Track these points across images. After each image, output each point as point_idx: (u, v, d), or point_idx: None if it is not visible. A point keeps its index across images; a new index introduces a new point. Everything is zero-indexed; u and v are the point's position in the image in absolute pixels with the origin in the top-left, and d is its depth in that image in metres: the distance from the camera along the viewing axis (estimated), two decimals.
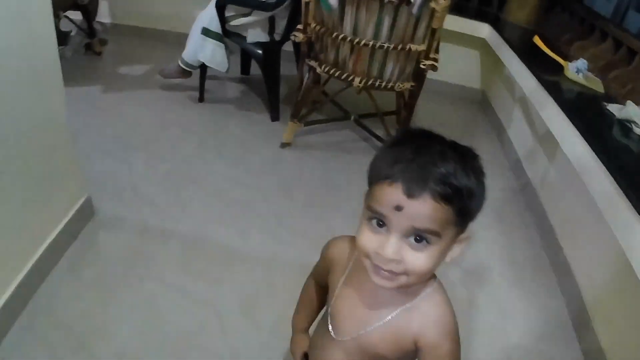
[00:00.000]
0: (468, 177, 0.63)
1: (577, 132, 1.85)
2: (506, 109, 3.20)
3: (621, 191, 1.49)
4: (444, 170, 0.61)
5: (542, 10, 3.26)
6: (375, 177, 0.66)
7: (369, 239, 0.66)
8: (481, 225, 2.24)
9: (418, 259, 0.64)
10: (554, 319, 1.84)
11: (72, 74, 2.86)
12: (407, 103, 2.50)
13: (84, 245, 1.76)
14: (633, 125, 1.87)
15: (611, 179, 1.56)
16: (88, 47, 3.31)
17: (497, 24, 3.25)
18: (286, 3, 2.58)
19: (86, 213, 1.84)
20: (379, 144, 2.67)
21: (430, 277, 0.75)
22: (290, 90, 3.13)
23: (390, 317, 0.75)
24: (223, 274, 1.75)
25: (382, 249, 0.64)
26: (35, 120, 1.44)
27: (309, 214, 2.11)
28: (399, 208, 0.62)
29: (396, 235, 0.64)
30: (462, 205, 0.63)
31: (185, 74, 2.82)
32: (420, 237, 0.64)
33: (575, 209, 2.05)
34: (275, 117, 2.85)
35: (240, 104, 3.02)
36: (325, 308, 0.88)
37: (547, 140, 2.37)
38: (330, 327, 0.82)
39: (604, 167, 1.61)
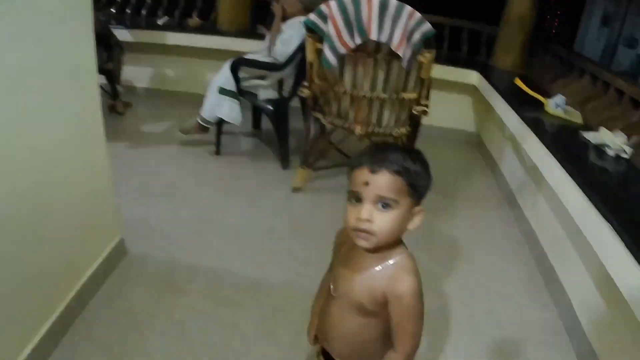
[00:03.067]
0: (414, 163, 0.92)
1: (555, 160, 2.07)
2: (498, 148, 3.44)
3: (593, 206, 1.68)
4: (395, 156, 0.91)
5: (526, 54, 3.56)
6: (351, 168, 0.95)
7: (351, 213, 0.94)
8: (479, 251, 2.45)
9: (384, 218, 0.91)
10: (549, 328, 2.00)
11: None
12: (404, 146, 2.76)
13: (119, 279, 1.98)
14: (606, 148, 2.08)
15: (585, 197, 1.75)
16: (112, 109, 3.65)
17: (485, 71, 3.55)
18: (293, 64, 2.91)
19: (120, 252, 2.07)
20: None
21: (401, 247, 1.00)
22: (299, 141, 3.40)
23: (367, 274, 0.99)
24: (245, 301, 1.95)
25: (359, 213, 0.91)
26: (81, 169, 1.71)
27: (319, 247, 2.30)
28: (367, 183, 0.90)
29: (368, 202, 0.91)
30: (411, 180, 0.91)
31: (203, 130, 3.12)
32: (385, 203, 0.90)
33: (562, 231, 2.24)
34: (286, 165, 3.13)
35: (254, 156, 3.31)
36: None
37: (534, 172, 2.59)
38: (332, 287, 1.08)
39: (579, 189, 1.81)
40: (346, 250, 1.06)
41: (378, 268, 0.98)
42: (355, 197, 0.93)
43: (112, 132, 3.27)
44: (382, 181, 0.89)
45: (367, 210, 0.91)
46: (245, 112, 3.32)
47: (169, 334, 1.75)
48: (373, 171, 0.90)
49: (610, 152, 2.07)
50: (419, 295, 0.97)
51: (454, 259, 2.40)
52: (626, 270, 1.46)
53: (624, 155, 2.04)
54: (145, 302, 1.89)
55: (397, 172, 0.89)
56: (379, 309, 1.00)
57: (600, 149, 2.11)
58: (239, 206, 2.65)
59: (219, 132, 3.14)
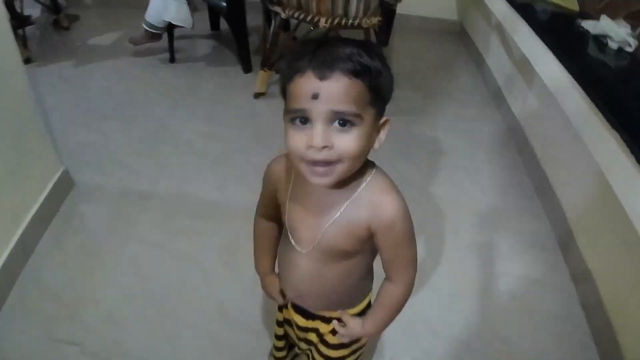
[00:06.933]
0: (372, 59, 0.66)
1: (549, 52, 1.81)
2: (484, 39, 3.12)
3: (594, 106, 1.47)
4: (349, 51, 0.64)
5: None
6: (286, 79, 0.68)
7: (297, 138, 0.68)
8: (464, 155, 2.25)
9: (347, 141, 0.67)
10: (540, 242, 1.85)
11: (42, 51, 2.84)
12: (378, 39, 2.44)
13: (66, 216, 1.76)
14: (608, 40, 1.83)
15: (584, 95, 1.54)
16: (56, 23, 3.23)
17: None
18: None
19: (65, 185, 1.83)
20: None
21: (367, 166, 0.77)
22: (262, 40, 3.06)
23: (339, 214, 0.77)
24: (203, 228, 1.76)
25: (311, 139, 0.66)
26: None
27: None
28: (315, 95, 0.64)
29: (320, 123, 0.65)
30: (373, 82, 0.66)
31: (154, 37, 2.76)
32: (343, 120, 0.66)
33: (554, 131, 2.03)
34: (247, 68, 2.81)
35: (212, 60, 2.96)
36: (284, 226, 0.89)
37: (524, 65, 2.33)
38: (293, 242, 0.85)
39: (577, 85, 1.59)
40: (296, 189, 0.82)
41: (350, 200, 0.77)
42: (301, 118, 0.67)
43: (57, 51, 2.97)
44: (337, 89, 0.63)
45: (321, 133, 0.65)
46: (203, 13, 2.96)
47: (122, 273, 1.58)
48: (322, 76, 0.63)
49: (613, 45, 1.81)
50: (408, 213, 0.78)
51: (436, 165, 2.20)
52: (629, 182, 1.28)
53: (628, 49, 1.79)
54: (96, 240, 1.69)
55: (356, 73, 0.64)
56: (364, 245, 0.81)
57: (600, 40, 1.85)
58: (196, 119, 2.38)
59: (171, 38, 2.77)
